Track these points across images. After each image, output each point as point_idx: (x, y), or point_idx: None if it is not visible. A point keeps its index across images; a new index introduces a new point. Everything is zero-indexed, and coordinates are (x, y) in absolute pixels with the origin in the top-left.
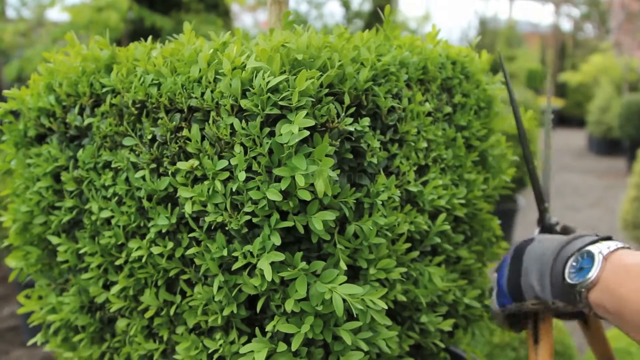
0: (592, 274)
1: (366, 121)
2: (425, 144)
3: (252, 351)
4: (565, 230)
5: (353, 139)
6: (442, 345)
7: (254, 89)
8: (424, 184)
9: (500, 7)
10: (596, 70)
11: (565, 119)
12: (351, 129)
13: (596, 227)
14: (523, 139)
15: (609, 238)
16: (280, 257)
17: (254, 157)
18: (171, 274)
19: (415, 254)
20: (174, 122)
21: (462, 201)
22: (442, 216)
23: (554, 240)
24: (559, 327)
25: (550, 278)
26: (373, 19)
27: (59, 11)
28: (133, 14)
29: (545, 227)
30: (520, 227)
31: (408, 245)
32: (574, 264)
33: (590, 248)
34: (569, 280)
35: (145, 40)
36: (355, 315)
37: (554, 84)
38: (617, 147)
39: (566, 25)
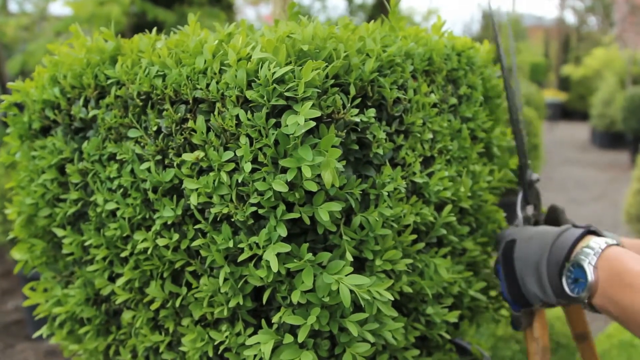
0: (588, 285)
1: (372, 112)
2: (430, 135)
3: (259, 343)
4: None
5: (359, 130)
6: (448, 337)
7: (259, 80)
8: (430, 175)
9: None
10: (600, 64)
11: (568, 112)
12: (357, 120)
13: (600, 220)
14: (512, 103)
15: (590, 231)
16: (286, 248)
17: (260, 148)
18: (177, 265)
19: (421, 245)
20: (179, 114)
21: (468, 193)
22: (448, 207)
23: (537, 241)
24: (562, 319)
25: (549, 283)
26: (376, 12)
27: (62, 5)
28: (135, 8)
29: (526, 185)
30: None
31: (414, 236)
32: (569, 274)
33: (579, 259)
34: (569, 293)
35: (149, 32)
36: (362, 307)
37: (557, 77)
38: (621, 140)
39: (570, 18)
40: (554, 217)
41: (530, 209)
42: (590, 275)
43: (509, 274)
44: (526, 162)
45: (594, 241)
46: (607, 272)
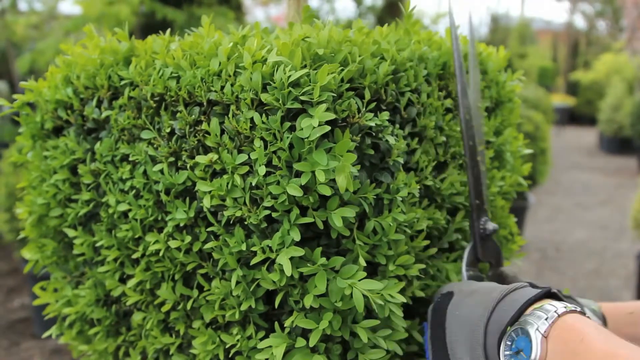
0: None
1: (385, 115)
2: (444, 139)
3: (270, 346)
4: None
5: (373, 134)
6: None
7: (274, 83)
8: (443, 180)
9: (513, 4)
10: (608, 69)
11: (576, 117)
12: (371, 124)
13: (606, 225)
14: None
15: (550, 293)
16: (300, 252)
17: (274, 152)
18: (188, 268)
19: (433, 250)
20: (193, 116)
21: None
22: (461, 213)
23: (479, 297)
24: None
25: (484, 354)
26: (385, 14)
27: (71, 4)
28: (144, 7)
29: (478, 236)
30: (531, 224)
31: (427, 242)
32: (509, 343)
33: (525, 322)
34: None
35: (157, 33)
36: (374, 313)
37: (565, 82)
38: (628, 145)
39: (579, 23)
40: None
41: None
42: (536, 347)
43: (436, 339)
44: (482, 205)
45: (550, 304)
46: (560, 345)
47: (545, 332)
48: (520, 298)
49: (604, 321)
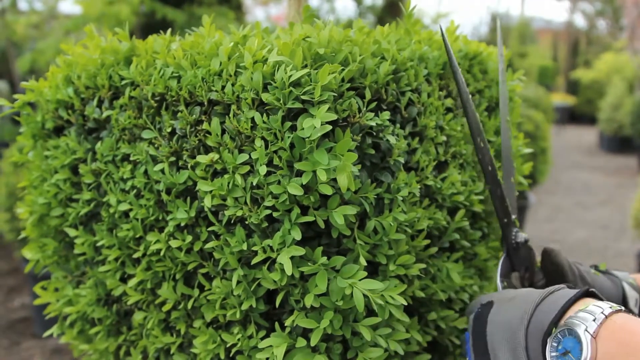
0: None
1: (386, 115)
2: (444, 138)
3: (271, 346)
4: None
5: (374, 133)
6: (458, 342)
7: (275, 82)
8: (443, 179)
9: (513, 3)
10: (609, 68)
11: (576, 116)
12: (372, 124)
13: (607, 225)
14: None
15: (589, 292)
16: (300, 251)
17: (275, 151)
18: (189, 267)
19: (434, 250)
20: (194, 115)
21: (481, 197)
22: (461, 212)
23: (519, 302)
24: None
25: (525, 356)
26: (385, 13)
27: (71, 3)
28: (145, 7)
29: (510, 248)
30: (531, 224)
31: (427, 241)
32: (555, 343)
33: (572, 324)
34: None
35: (157, 33)
36: (375, 311)
37: (565, 81)
38: (629, 145)
39: (580, 22)
40: (550, 262)
41: (515, 276)
42: (587, 348)
43: (478, 346)
44: (509, 220)
45: (595, 304)
46: (611, 346)
47: (594, 332)
48: (560, 299)
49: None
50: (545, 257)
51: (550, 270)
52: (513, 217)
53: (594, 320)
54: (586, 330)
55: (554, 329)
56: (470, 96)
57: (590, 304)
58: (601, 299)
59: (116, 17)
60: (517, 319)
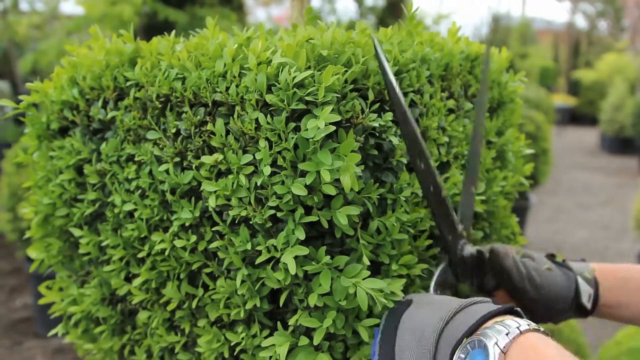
0: None
1: (389, 116)
2: (446, 139)
3: (274, 345)
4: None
5: (377, 134)
6: None
7: (279, 84)
8: (445, 180)
9: (514, 4)
10: (611, 69)
11: (577, 117)
12: (375, 124)
13: (607, 225)
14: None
15: (510, 311)
16: (304, 251)
17: (279, 152)
18: (194, 267)
19: (436, 250)
20: (198, 116)
21: (483, 197)
22: None
23: (437, 307)
24: (571, 325)
25: None
26: (387, 14)
27: (73, 4)
28: (147, 8)
29: (455, 261)
30: (532, 225)
31: (430, 241)
32: (462, 355)
33: (485, 334)
34: None
35: (159, 34)
36: (378, 311)
37: (567, 82)
38: (630, 145)
39: (581, 23)
40: (497, 264)
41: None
42: None
43: (386, 343)
44: (455, 235)
45: (512, 319)
46: None
47: (504, 347)
48: (480, 310)
49: (596, 287)
50: (492, 259)
51: (497, 272)
52: (460, 228)
53: (507, 334)
54: (496, 344)
55: (465, 339)
56: (408, 111)
57: (508, 318)
58: (523, 317)
59: (118, 18)
60: (430, 324)
